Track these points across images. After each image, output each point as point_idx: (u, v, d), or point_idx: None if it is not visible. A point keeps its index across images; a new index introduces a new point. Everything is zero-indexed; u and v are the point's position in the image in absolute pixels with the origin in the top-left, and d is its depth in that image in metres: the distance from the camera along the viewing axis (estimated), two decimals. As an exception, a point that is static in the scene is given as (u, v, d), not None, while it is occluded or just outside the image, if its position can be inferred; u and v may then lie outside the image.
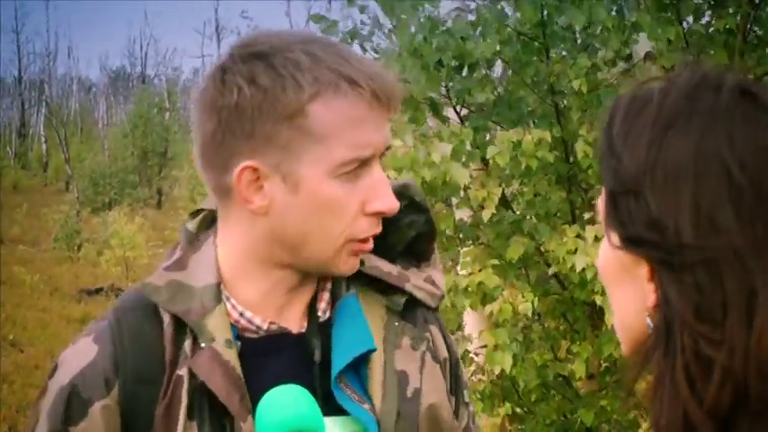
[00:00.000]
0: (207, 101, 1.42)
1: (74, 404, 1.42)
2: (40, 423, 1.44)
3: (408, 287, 1.59)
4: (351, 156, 1.39)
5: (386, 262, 1.59)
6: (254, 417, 1.40)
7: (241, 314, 1.47)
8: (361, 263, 1.54)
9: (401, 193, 1.57)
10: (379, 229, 1.47)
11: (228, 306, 1.47)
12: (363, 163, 1.41)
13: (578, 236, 4.93)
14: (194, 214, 1.57)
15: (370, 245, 1.48)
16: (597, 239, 4.82)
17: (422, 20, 5.46)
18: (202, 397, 1.41)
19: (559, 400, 6.01)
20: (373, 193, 1.43)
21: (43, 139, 43.20)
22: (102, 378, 1.42)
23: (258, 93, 1.37)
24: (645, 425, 5.80)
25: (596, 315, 5.45)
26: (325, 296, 1.55)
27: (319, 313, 1.54)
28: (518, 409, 6.13)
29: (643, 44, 5.65)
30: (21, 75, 48.78)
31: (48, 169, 40.25)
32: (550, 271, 5.40)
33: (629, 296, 1.09)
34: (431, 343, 1.61)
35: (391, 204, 1.44)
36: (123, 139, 37.90)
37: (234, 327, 1.47)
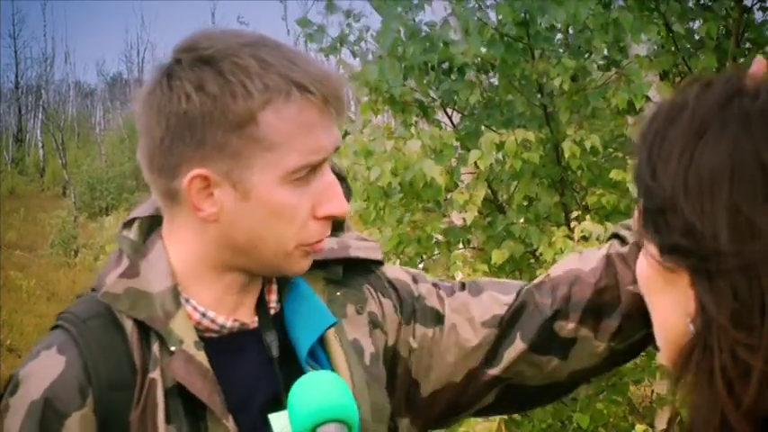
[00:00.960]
0: (154, 105, 1.41)
1: (49, 418, 1.39)
2: None
3: (353, 252, 1.61)
4: (303, 162, 1.39)
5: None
6: (233, 415, 1.42)
7: (203, 314, 1.48)
8: None
9: None
10: (328, 232, 1.47)
11: (189, 308, 1.47)
12: (314, 168, 1.41)
13: (568, 237, 4.93)
14: (127, 224, 1.54)
15: (323, 245, 1.48)
16: (585, 239, 4.82)
17: (408, 22, 5.47)
18: (176, 400, 1.41)
19: (556, 403, 6.01)
20: (324, 197, 1.43)
21: (40, 145, 43.07)
22: (76, 388, 1.40)
23: (207, 100, 1.36)
24: (640, 428, 5.79)
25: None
26: (273, 288, 1.56)
27: (272, 304, 1.55)
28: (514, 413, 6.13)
29: (637, 46, 5.66)
30: (18, 80, 48.69)
31: (45, 174, 40.12)
32: (541, 273, 5.39)
33: (669, 305, 1.09)
34: (370, 305, 1.64)
35: (342, 208, 1.45)
36: (120, 145, 37.83)
37: (195, 328, 1.47)
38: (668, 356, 1.13)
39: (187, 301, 1.47)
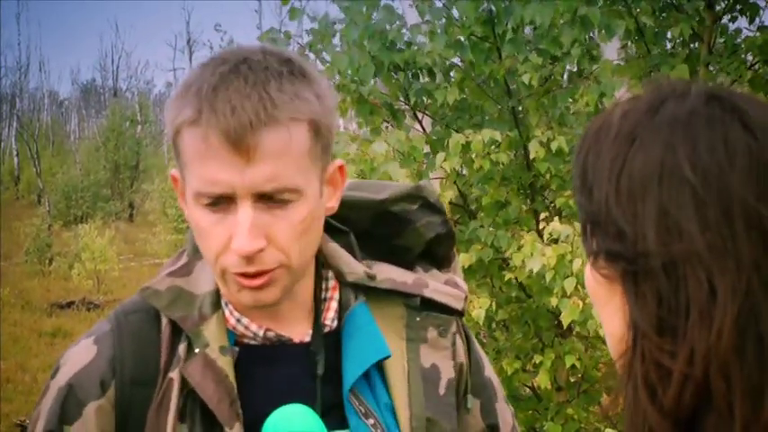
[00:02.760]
0: None
1: (70, 404, 1.45)
2: (40, 421, 1.47)
3: (427, 293, 1.58)
4: (200, 189, 1.36)
5: (400, 270, 1.58)
6: (242, 424, 1.41)
7: (238, 320, 1.48)
8: (373, 277, 1.55)
9: (414, 194, 1.58)
10: (249, 270, 1.39)
11: (226, 312, 1.49)
12: (226, 200, 1.35)
13: (537, 239, 4.93)
14: None
15: (257, 282, 1.40)
16: (555, 242, 4.82)
17: (368, 21, 5.47)
18: (194, 401, 1.43)
19: (527, 411, 6.01)
20: (234, 233, 1.36)
21: (15, 153, 43.00)
22: (97, 379, 1.45)
23: (169, 112, 1.39)
24: (611, 433, 5.82)
25: (562, 324, 5.47)
26: (333, 306, 1.55)
27: (327, 322, 1.53)
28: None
29: (610, 48, 5.67)
30: (-8, 88, 48.56)
31: (19, 183, 40.06)
32: (509, 277, 5.39)
33: (613, 314, 1.09)
34: (455, 328, 1.61)
35: (240, 247, 1.35)
36: (95, 153, 37.80)
37: (232, 333, 1.48)
38: (618, 366, 1.12)
39: (226, 304, 1.49)
